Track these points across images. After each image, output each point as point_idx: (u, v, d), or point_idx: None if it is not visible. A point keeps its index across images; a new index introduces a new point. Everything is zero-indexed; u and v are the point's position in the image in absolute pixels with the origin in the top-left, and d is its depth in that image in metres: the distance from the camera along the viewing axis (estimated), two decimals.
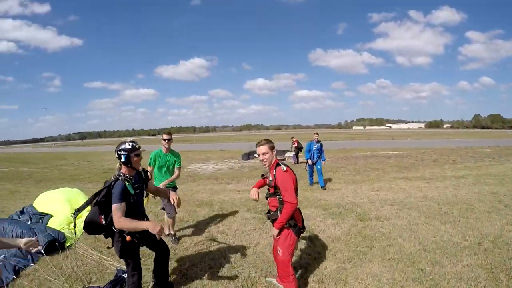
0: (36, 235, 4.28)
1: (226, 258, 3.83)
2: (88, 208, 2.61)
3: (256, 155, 2.52)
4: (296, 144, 15.42)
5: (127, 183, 2.47)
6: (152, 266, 3.05)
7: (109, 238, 2.64)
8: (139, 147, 2.63)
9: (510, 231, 4.40)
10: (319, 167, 8.32)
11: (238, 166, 14.71)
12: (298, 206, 2.72)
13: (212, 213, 6.02)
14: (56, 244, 4.31)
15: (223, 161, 17.50)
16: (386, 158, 15.52)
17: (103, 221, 2.49)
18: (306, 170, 8.80)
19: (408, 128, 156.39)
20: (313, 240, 4.32)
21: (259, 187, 3.02)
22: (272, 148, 2.77)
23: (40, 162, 22.48)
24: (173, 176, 4.48)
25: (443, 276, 3.17)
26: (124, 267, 3.22)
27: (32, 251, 2.14)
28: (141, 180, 2.70)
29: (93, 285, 3.23)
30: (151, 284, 3.10)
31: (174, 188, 4.47)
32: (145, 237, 2.66)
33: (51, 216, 5.33)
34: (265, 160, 2.75)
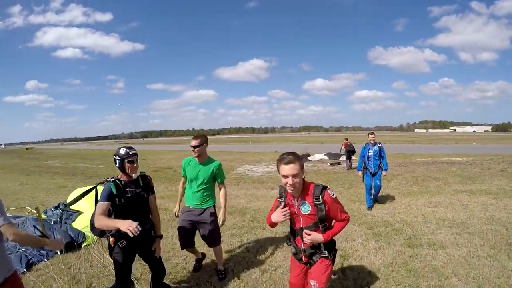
0: (54, 236, 4.33)
1: (234, 281, 3.35)
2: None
3: (281, 176, 1.99)
4: (345, 147, 14.06)
5: (112, 185, 2.38)
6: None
7: None
8: (134, 154, 2.51)
9: None
10: (378, 181, 6.32)
11: None
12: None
13: (242, 223, 5.58)
14: (74, 244, 4.30)
15: (274, 163, 17.04)
16: (448, 166, 13.64)
17: None
18: (363, 181, 6.58)
19: (474, 131, 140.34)
20: (346, 270, 3.56)
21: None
22: (303, 166, 2.02)
23: (97, 159, 24.65)
24: (221, 197, 3.33)
25: None
26: None
27: (55, 250, 2.20)
28: (138, 186, 2.54)
29: None
30: None
31: (207, 208, 3.27)
32: (137, 246, 2.51)
33: (80, 213, 5.42)
34: (295, 184, 1.97)
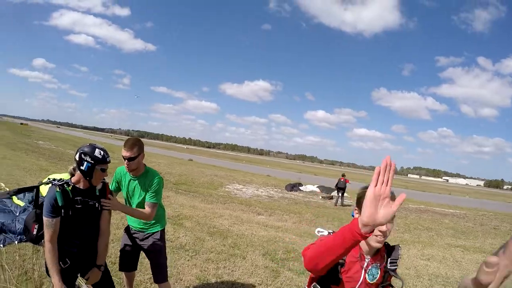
0: (21, 225, 3.90)
1: None
2: None
3: (377, 230, 1.19)
4: (337, 182, 13.39)
5: (57, 194, 1.82)
6: None
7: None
8: (109, 161, 1.98)
9: None
10: None
11: (278, 196, 13.78)
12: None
13: (221, 247, 5.06)
14: None
15: (265, 187, 16.66)
16: (441, 216, 13.44)
17: (35, 232, 1.96)
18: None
19: (466, 184, 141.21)
20: None
21: None
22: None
23: None
24: (137, 213, 2.41)
25: None
26: None
27: None
28: (92, 197, 2.00)
29: None
30: None
31: (151, 235, 2.57)
32: (82, 268, 2.04)
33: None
34: (388, 233, 1.31)
